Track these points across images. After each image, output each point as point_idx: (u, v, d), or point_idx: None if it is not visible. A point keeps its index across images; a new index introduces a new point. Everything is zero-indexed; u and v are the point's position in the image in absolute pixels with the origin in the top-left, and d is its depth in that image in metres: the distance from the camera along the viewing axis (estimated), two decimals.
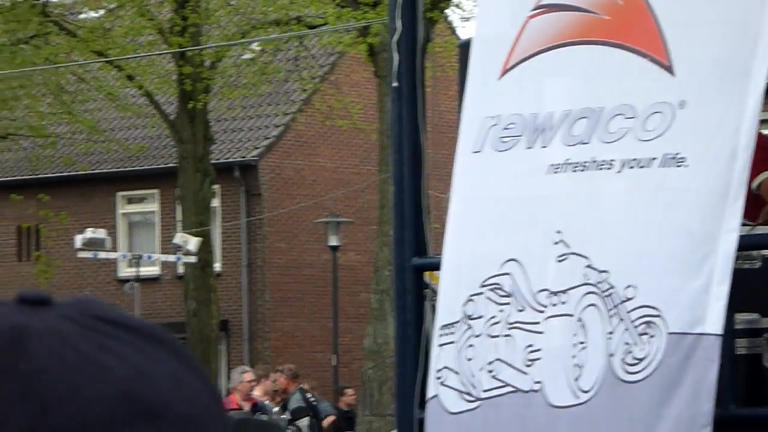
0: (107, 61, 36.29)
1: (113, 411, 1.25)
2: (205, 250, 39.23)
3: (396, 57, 10.76)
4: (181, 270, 43.07)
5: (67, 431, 1.25)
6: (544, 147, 9.19)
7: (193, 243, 41.16)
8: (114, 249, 50.66)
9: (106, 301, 1.36)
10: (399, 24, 10.72)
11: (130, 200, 49.72)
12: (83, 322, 1.32)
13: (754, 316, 9.37)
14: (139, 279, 49.39)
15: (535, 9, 9.35)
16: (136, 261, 49.65)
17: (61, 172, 45.08)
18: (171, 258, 43.09)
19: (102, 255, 51.27)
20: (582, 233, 8.29)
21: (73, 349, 1.28)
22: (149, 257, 47.87)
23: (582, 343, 8.60)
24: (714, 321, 8.49)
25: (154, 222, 46.84)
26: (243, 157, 47.57)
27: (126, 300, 49.47)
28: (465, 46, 10.44)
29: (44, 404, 1.25)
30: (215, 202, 41.23)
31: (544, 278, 8.93)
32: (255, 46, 37.22)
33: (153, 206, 46.67)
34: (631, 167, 8.87)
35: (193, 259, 41.20)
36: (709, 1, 8.78)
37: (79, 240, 47.78)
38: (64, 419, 1.25)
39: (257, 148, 49.13)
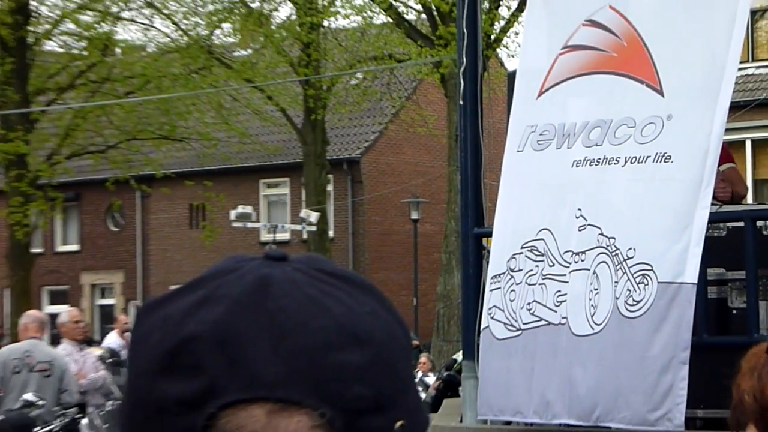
0: (254, 86, 36.06)
1: (331, 338, 1.29)
2: (322, 222, 40.84)
3: (461, 83, 10.93)
4: (305, 236, 43.67)
5: (299, 352, 1.29)
6: (568, 148, 9.48)
7: (313, 217, 41.13)
8: (257, 221, 50.07)
9: (325, 258, 1.46)
10: (464, 59, 10.82)
11: (269, 185, 50.04)
12: (309, 273, 1.36)
13: (721, 270, 9.74)
14: (275, 242, 49.04)
15: (563, 48, 9.57)
16: (273, 229, 49.76)
17: (220, 165, 44.69)
18: (298, 227, 43.24)
19: (249, 225, 50.79)
20: (596, 210, 8.81)
21: (303, 292, 1.32)
22: (282, 227, 48.17)
23: (596, 289, 8.96)
24: (691, 274, 8.78)
25: (286, 201, 47.31)
26: (350, 154, 48.45)
27: None
28: (512, 75, 10.73)
29: (283, 332, 1.28)
30: (329, 188, 41.76)
31: (568, 242, 9.33)
32: (359, 75, 37.46)
33: (285, 190, 47.15)
34: (632, 163, 9.19)
35: (313, 228, 42.02)
36: (688, 41, 9.01)
37: (233, 214, 47.32)
38: (297, 343, 1.28)
39: (359, 148, 49.87)
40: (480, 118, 11.16)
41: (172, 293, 1.33)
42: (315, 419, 1.21)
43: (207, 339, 1.24)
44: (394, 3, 32.03)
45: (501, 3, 27.47)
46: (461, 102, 11.09)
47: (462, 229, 11.43)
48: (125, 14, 38.13)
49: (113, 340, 21.09)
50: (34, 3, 36.46)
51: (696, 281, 8.96)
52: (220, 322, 1.24)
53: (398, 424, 1.27)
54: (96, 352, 22.07)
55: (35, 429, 13.53)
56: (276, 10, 37.59)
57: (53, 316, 33.94)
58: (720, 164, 9.95)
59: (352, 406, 1.24)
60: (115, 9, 38.10)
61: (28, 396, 16.29)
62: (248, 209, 49.58)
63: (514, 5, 29.04)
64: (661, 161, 9.14)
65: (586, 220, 9.35)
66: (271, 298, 1.28)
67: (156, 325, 1.29)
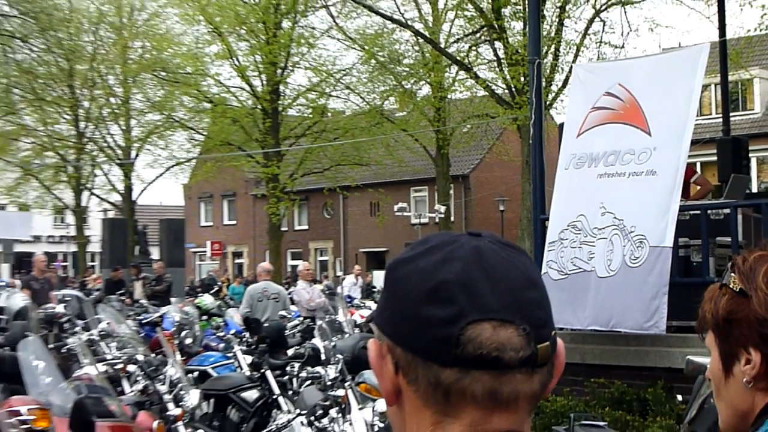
0: (408, 133, 36.27)
1: (522, 283, 1.21)
2: (447, 212, 37.28)
3: (531, 130, 10.54)
4: (437, 221, 40.04)
5: (506, 292, 1.23)
6: (595, 167, 9.08)
7: (442, 209, 36.34)
8: (409, 212, 43.71)
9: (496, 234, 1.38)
10: (533, 116, 10.32)
11: (416, 191, 49.91)
12: (496, 243, 1.27)
13: (686, 239, 9.23)
14: (420, 224, 42.77)
15: (591, 108, 9.05)
16: (419, 216, 43.75)
17: (388, 179, 43.41)
18: (432, 215, 41.34)
19: (405, 214, 43.08)
20: (612, 203, 8.54)
21: (500, 255, 1.24)
22: (423, 215, 42.99)
23: (611, 250, 8.54)
24: (669, 240, 8.36)
25: (425, 200, 45.51)
26: (463, 172, 45.59)
27: (414, 236, 42.46)
28: (561, 126, 10.57)
29: (495, 280, 1.21)
30: (451, 191, 39.73)
31: (595, 222, 8.88)
32: (468, 126, 35.98)
33: (425, 193, 45.27)
34: (633, 176, 8.68)
35: (442, 215, 37.97)
36: (665, 103, 8.43)
37: (395, 207, 41.27)
38: (504, 287, 1.21)
39: (469, 168, 47.52)
40: (542, 150, 10.71)
41: (413, 254, 1.27)
42: (519, 331, 1.18)
43: (455, 282, 1.20)
44: (489, 84, 28.94)
45: (552, 82, 26.32)
46: (531, 141, 11.14)
47: (533, 216, 11.32)
48: (334, 93, 36.61)
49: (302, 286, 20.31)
50: (282, 87, 35.02)
51: (671, 245, 8.49)
52: (461, 273, 1.20)
53: (553, 332, 1.25)
54: (318, 287, 20.95)
55: (286, 331, 12.97)
56: (420, 89, 35.50)
57: (294, 267, 33.44)
58: (691, 176, 10.12)
59: (536, 324, 1.20)
60: (328, 90, 36.02)
61: (282, 312, 15.07)
62: (404, 205, 47.40)
63: (560, 83, 26.55)
64: (650, 174, 8.66)
65: (605, 209, 8.99)
66: (484, 259, 1.23)
67: (412, 272, 1.23)
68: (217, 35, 33.83)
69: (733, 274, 1.65)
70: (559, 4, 26.92)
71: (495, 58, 29.21)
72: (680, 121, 8.86)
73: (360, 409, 6.62)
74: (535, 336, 1.19)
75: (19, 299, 18.49)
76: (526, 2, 25.73)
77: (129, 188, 41.40)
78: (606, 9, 28.06)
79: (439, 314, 1.18)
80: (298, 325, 14.12)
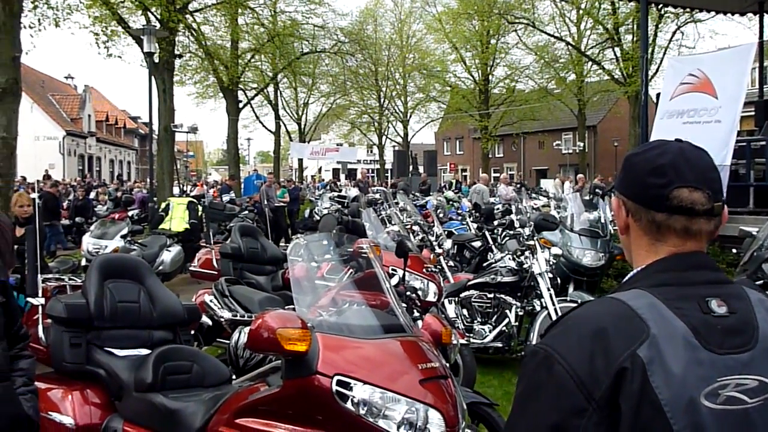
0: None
1: (707, 168, 1.24)
2: (583, 147, 35.67)
3: (642, 97, 9.79)
4: (577, 152, 38.05)
5: (700, 172, 1.22)
6: (680, 118, 7.88)
7: (581, 145, 34.88)
8: (562, 146, 44.12)
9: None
10: (643, 87, 9.81)
11: (567, 134, 43.67)
12: (691, 145, 1.27)
13: (736, 160, 8.44)
14: (568, 154, 42.97)
15: (680, 84, 8.18)
16: (567, 149, 43.14)
17: (534, 129, 41.39)
18: (575, 148, 37.73)
19: (558, 148, 43.96)
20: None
21: (694, 150, 1.25)
22: (569, 148, 40.65)
23: None
24: (728, 161, 7.54)
25: (571, 139, 38.92)
26: (593, 123, 41.89)
27: (564, 161, 42.22)
28: (658, 95, 8.89)
29: (693, 165, 1.21)
30: (585, 134, 37.03)
31: None
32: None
33: (570, 136, 39.19)
34: (705, 123, 7.52)
35: (580, 148, 35.95)
36: (725, 78, 7.57)
37: (554, 144, 43.68)
38: (699, 168, 1.22)
39: (597, 120, 43.19)
40: (647, 109, 9.60)
41: (642, 150, 1.27)
42: (705, 194, 1.20)
43: (668, 165, 1.20)
44: (610, 72, 29.56)
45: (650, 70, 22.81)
46: (641, 103, 9.86)
47: None
48: (519, 79, 37.50)
49: (502, 186, 19.59)
50: (490, 77, 36.01)
51: (729, 164, 7.50)
52: (671, 159, 1.20)
53: (723, 198, 1.22)
54: (510, 187, 20.00)
55: (494, 210, 12.50)
56: (569, 75, 34.10)
57: (495, 178, 27.36)
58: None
59: (715, 191, 1.21)
60: (516, 77, 36.97)
61: (492, 199, 15.93)
62: (558, 142, 44.20)
63: (654, 69, 25.72)
64: (716, 122, 7.58)
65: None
66: (685, 153, 1.23)
67: (642, 159, 1.24)
68: (454, 48, 36.52)
69: None
70: (654, 24, 26.40)
71: (614, 57, 29.30)
72: (736, 90, 7.74)
73: (541, 252, 6.17)
74: (713, 198, 1.20)
75: (354, 191, 21.68)
76: (635, 24, 26.11)
77: (406, 134, 43.88)
78: (684, 25, 27.35)
79: (657, 182, 1.20)
80: (500, 208, 12.68)
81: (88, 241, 10.88)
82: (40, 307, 3.60)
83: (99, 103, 49.80)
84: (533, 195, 22.38)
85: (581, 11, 31.19)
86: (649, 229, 1.24)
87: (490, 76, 36.70)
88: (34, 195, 5.62)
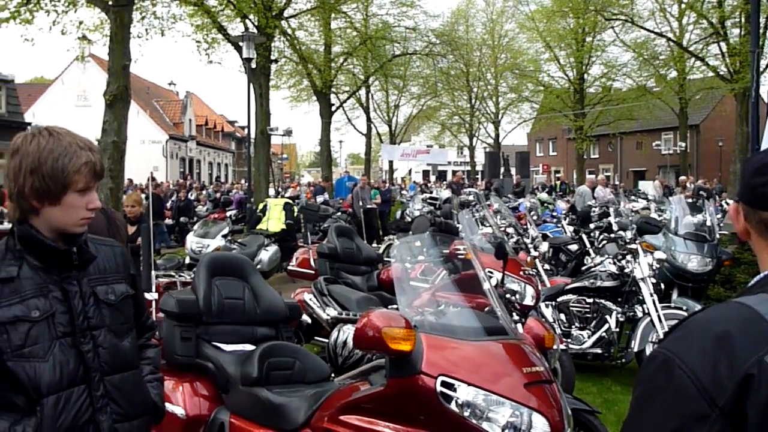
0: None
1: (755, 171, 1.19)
2: (685, 147, 34.71)
3: (752, 93, 8.37)
4: (678, 152, 36.03)
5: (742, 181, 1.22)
6: None
7: (683, 145, 33.80)
8: (661, 146, 42.63)
9: None
10: (753, 83, 8.39)
11: (667, 134, 42.12)
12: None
13: None
14: (668, 155, 41.49)
15: None
16: (667, 149, 41.42)
17: (632, 129, 40.47)
18: (676, 148, 37.64)
19: (657, 148, 41.75)
20: None
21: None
22: (670, 148, 36.52)
23: None
24: None
25: (671, 140, 34.63)
26: (696, 122, 40.52)
27: (664, 161, 39.57)
28: None
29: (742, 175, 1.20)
30: (687, 134, 35.61)
31: None
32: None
33: (670, 136, 36.49)
34: None
35: (682, 148, 34.66)
36: None
37: (653, 144, 41.21)
38: (744, 178, 1.21)
39: (700, 119, 42.14)
40: (758, 105, 8.29)
41: (756, 154, 1.26)
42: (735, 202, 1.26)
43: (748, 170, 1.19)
44: (715, 68, 27.89)
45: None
46: (751, 100, 8.76)
47: (750, 146, 8.55)
48: (616, 77, 35.49)
49: (600, 188, 17.15)
50: (586, 75, 34.89)
51: None
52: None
53: None
54: (608, 189, 17.66)
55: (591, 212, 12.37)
56: (669, 73, 32.95)
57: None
58: None
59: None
60: (612, 75, 35.83)
61: (589, 202, 15.05)
62: (658, 143, 42.34)
63: (763, 66, 21.74)
64: None
65: None
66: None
67: (752, 161, 1.23)
68: (548, 47, 35.88)
69: None
70: (765, 16, 23.87)
71: (719, 52, 27.81)
72: None
73: (644, 256, 6.04)
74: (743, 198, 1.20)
75: (446, 193, 21.06)
76: (744, 17, 24.78)
77: (498, 135, 43.99)
78: None
79: (761, 181, 1.17)
80: (597, 210, 12.59)
81: (191, 240, 11.45)
82: (153, 302, 3.81)
83: (199, 108, 52.05)
84: (632, 197, 22.18)
85: (683, 5, 30.14)
86: (760, 229, 1.21)
87: (586, 75, 36.01)
88: (143, 195, 5.82)
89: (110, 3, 11.95)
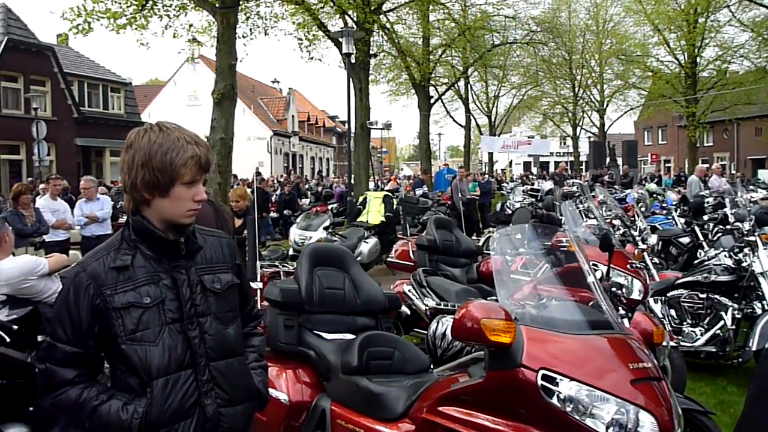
0: None
1: None
2: None
3: None
4: None
5: None
6: None
7: None
8: None
9: None
10: None
11: None
12: None
13: None
14: None
15: None
16: None
17: (750, 114, 38.80)
18: None
19: None
20: None
21: None
22: None
23: None
24: None
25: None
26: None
27: None
28: None
29: None
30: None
31: None
32: None
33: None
34: None
35: None
36: None
37: None
38: None
39: None
40: None
41: None
42: None
43: None
44: None
45: None
46: None
47: None
48: (733, 60, 33.44)
49: (714, 177, 17.76)
50: (698, 59, 33.42)
51: None
52: None
53: None
54: (724, 178, 18.61)
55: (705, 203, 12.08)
56: None
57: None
58: None
59: None
60: (728, 58, 33.82)
61: (702, 192, 15.04)
62: None
63: None
64: None
65: None
66: None
67: None
68: (656, 30, 34.39)
69: None
70: None
71: None
72: None
73: (764, 249, 5.80)
74: None
75: (548, 184, 21.47)
76: None
77: (603, 124, 42.92)
78: None
79: None
80: (711, 201, 12.34)
81: (294, 232, 11.79)
82: (258, 291, 3.94)
83: (301, 104, 53.70)
84: (750, 187, 21.22)
85: None
86: None
87: (698, 58, 34.23)
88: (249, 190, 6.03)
89: (217, 5, 12.43)
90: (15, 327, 4.01)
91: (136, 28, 14.11)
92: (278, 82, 55.53)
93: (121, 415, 1.89)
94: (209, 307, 2.04)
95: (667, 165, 48.04)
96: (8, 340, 3.93)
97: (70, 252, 8.43)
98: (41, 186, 13.11)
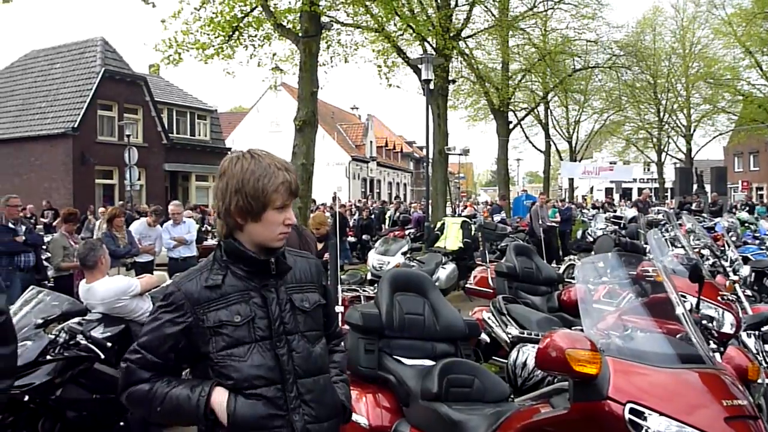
0: None
1: None
2: None
3: None
4: None
5: None
6: None
7: None
8: None
9: None
10: None
11: None
12: None
13: None
14: None
15: None
16: None
17: None
18: None
19: None
20: None
21: None
22: None
23: None
24: None
25: None
26: None
27: None
28: None
29: None
30: None
31: None
32: None
33: None
34: None
35: None
36: None
37: None
38: None
39: None
40: None
41: None
42: None
43: None
44: None
45: None
46: None
47: None
48: None
49: None
50: None
51: None
52: None
53: None
54: None
55: None
56: None
57: None
58: None
59: None
60: None
61: None
62: None
63: None
64: None
65: None
66: None
67: None
68: (747, 53, 33.34)
69: None
70: None
71: None
72: None
73: None
74: None
75: (631, 211, 20.11)
76: None
77: (689, 150, 41.50)
78: None
79: None
80: None
81: (373, 257, 12.03)
82: (339, 315, 3.96)
83: (379, 130, 54.43)
84: None
85: None
86: None
87: None
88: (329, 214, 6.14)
89: (300, 35, 12.79)
90: (109, 344, 4.20)
91: (223, 58, 14.55)
92: (357, 108, 56.61)
93: (190, 395, 1.97)
94: (297, 326, 2.10)
95: (759, 192, 45.92)
96: (102, 356, 4.12)
97: (156, 272, 8.82)
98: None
